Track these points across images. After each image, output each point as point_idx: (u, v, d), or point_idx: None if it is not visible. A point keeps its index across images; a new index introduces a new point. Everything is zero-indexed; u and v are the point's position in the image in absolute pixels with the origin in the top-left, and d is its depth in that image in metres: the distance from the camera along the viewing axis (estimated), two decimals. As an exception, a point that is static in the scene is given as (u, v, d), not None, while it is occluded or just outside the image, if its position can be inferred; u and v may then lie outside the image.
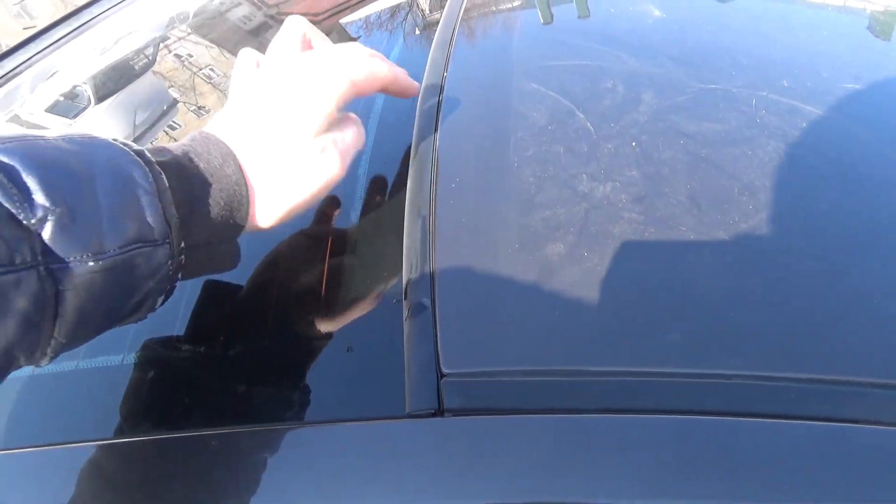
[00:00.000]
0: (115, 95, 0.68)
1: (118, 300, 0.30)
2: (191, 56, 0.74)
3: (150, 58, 0.75)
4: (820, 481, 0.27)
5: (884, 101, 0.47)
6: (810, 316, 0.33)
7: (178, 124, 0.63)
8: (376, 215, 0.45)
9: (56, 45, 0.78)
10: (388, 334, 0.35)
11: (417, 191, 0.41)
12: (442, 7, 0.64)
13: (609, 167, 0.41)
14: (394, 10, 0.73)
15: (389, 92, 0.43)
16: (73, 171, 0.28)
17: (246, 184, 0.35)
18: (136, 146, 0.31)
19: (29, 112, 0.68)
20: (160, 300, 0.33)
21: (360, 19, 0.74)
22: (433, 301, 0.34)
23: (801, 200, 0.39)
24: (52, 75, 0.73)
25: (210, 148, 0.34)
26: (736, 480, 0.27)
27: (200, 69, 0.71)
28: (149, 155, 0.31)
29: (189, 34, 0.78)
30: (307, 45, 0.43)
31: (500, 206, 0.39)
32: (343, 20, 0.74)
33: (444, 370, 0.31)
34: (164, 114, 0.64)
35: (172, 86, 0.69)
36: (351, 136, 0.40)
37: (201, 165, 0.33)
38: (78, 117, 0.66)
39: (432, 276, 0.36)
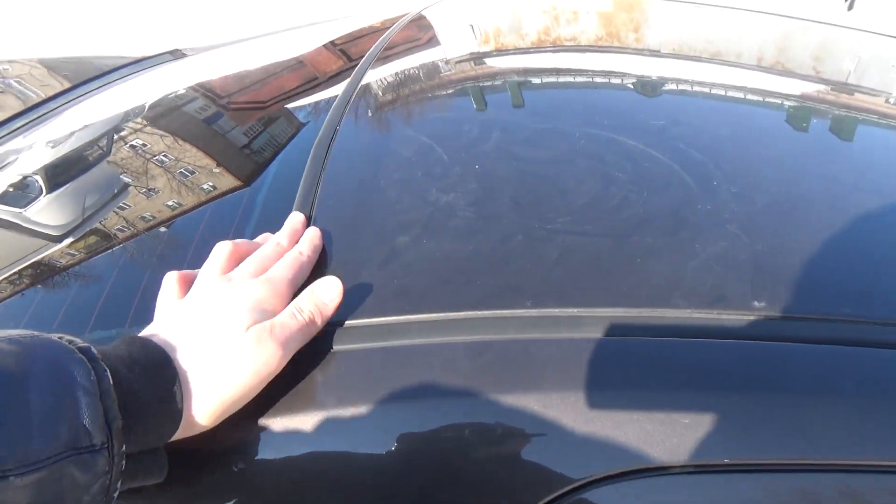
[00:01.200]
0: (67, 184, 0.71)
1: None
2: (145, 145, 0.78)
3: (105, 149, 0.79)
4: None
5: (682, 133, 0.59)
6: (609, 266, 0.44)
7: (127, 205, 0.66)
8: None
9: (8, 136, 0.81)
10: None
11: (304, 206, 0.51)
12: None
13: (454, 182, 0.51)
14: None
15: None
16: (8, 372, 0.27)
17: (181, 387, 0.34)
18: (81, 342, 0.31)
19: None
20: None
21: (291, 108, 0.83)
22: None
23: (600, 196, 0.50)
24: (2, 167, 0.75)
25: (148, 352, 0.34)
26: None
27: (154, 156, 0.75)
28: (94, 351, 0.30)
29: (144, 125, 0.84)
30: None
31: (366, 214, 0.49)
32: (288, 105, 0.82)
33: None
34: (114, 196, 0.67)
35: (125, 173, 0.72)
36: (296, 325, 0.38)
37: (137, 369, 0.32)
38: (28, 206, 0.68)
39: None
